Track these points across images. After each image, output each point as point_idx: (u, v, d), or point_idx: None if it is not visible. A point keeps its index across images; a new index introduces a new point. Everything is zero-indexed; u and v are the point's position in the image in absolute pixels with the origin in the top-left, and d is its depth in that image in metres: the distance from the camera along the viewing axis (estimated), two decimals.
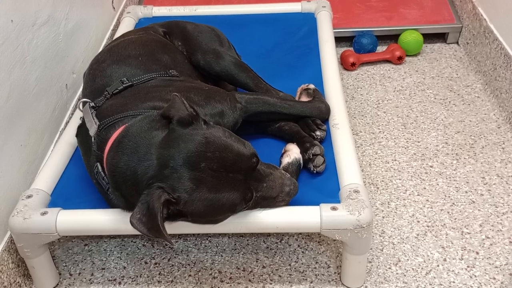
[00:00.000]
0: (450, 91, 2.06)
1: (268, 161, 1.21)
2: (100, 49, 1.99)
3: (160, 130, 1.14)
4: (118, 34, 1.96)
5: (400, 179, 1.69)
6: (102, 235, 1.54)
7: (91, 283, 1.42)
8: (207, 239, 1.52)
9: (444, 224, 1.53)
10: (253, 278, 1.41)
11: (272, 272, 1.42)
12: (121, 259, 1.48)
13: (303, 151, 1.37)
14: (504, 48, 1.92)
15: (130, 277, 1.43)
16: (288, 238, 1.51)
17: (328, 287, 1.37)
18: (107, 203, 1.26)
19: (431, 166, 1.73)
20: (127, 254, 1.49)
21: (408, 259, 1.43)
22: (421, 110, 1.97)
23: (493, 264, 1.41)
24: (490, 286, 1.36)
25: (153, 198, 1.05)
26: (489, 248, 1.45)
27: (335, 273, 1.41)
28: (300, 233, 1.52)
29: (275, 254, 1.47)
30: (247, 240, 1.51)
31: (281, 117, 1.48)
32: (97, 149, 1.23)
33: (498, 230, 1.50)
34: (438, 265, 1.41)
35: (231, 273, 1.42)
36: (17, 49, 1.45)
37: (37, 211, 1.28)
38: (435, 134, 1.86)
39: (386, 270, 1.41)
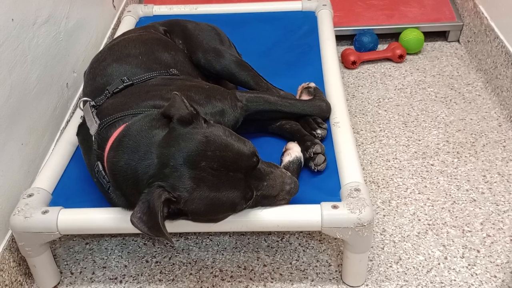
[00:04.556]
0: (451, 89, 2.06)
1: (268, 160, 1.22)
2: (101, 48, 1.99)
3: (161, 129, 1.14)
4: (118, 33, 1.96)
5: (401, 178, 1.69)
6: (103, 234, 1.54)
7: (92, 281, 1.42)
8: (208, 237, 1.52)
9: (445, 222, 1.53)
10: (254, 277, 1.41)
11: (273, 270, 1.42)
12: (122, 258, 1.48)
13: (304, 150, 1.37)
14: (505, 46, 1.92)
15: (131, 275, 1.43)
16: (289, 237, 1.51)
17: (329, 285, 1.37)
18: (108, 202, 1.26)
19: (432, 165, 1.72)
20: (128, 252, 1.49)
21: (409, 258, 1.43)
22: (422, 108, 1.97)
23: (494, 262, 1.41)
24: (491, 284, 1.36)
25: (154, 197, 1.05)
26: (490, 246, 1.45)
27: (336, 271, 1.41)
28: (301, 232, 1.52)
29: (276, 253, 1.47)
30: (248, 239, 1.51)
31: (282, 115, 1.48)
32: (98, 148, 1.23)
33: (499, 228, 1.50)
34: (439, 263, 1.41)
35: (232, 272, 1.42)
36: (17, 48, 1.45)
37: (38, 210, 1.28)
38: (436, 132, 1.85)
39: (387, 268, 1.41)
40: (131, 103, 1.27)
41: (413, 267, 1.41)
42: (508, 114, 1.88)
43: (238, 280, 1.40)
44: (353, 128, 1.65)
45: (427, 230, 1.51)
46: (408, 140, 1.83)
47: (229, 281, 1.40)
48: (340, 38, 2.31)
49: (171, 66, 1.45)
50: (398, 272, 1.40)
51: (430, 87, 2.08)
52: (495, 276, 1.38)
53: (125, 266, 1.46)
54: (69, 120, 1.68)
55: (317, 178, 1.36)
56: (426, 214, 1.56)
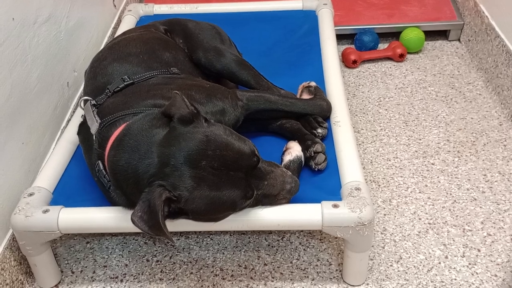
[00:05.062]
0: (452, 88, 2.06)
1: (269, 159, 1.22)
2: (101, 47, 1.99)
3: (161, 128, 1.14)
4: (119, 32, 1.96)
5: (401, 177, 1.68)
6: (104, 233, 1.54)
7: (93, 280, 1.43)
8: (208, 236, 1.52)
9: (446, 221, 1.53)
10: (255, 276, 1.41)
11: (273, 269, 1.42)
12: (123, 257, 1.48)
13: (305, 149, 1.37)
14: (506, 45, 1.92)
15: (132, 274, 1.43)
16: (290, 236, 1.51)
17: (330, 284, 1.38)
18: (109, 201, 1.26)
19: (432, 164, 1.72)
20: (129, 251, 1.50)
21: (409, 257, 1.43)
22: (422, 107, 1.97)
23: (494, 261, 1.41)
24: (492, 283, 1.36)
25: (154, 196, 1.05)
26: (490, 245, 1.45)
27: (336, 270, 1.41)
28: (302, 231, 1.52)
29: (276, 252, 1.47)
30: (249, 238, 1.51)
31: (282, 114, 1.48)
32: (99, 147, 1.23)
33: (499, 228, 1.50)
34: (439, 263, 1.41)
35: (232, 271, 1.42)
36: (18, 47, 1.45)
37: (39, 209, 1.28)
38: (436, 131, 1.85)
39: (388, 267, 1.41)
40: (132, 102, 1.27)
41: (414, 266, 1.41)
42: (509, 113, 1.88)
43: (239, 279, 1.40)
44: (353, 127, 1.65)
45: (427, 229, 1.51)
46: (408, 139, 1.83)
47: (229, 280, 1.40)
48: (340, 37, 2.31)
49: (171, 65, 1.45)
50: (398, 271, 1.40)
51: (431, 86, 2.08)
52: (496, 275, 1.38)
53: (126, 265, 1.46)
54: (69, 119, 1.68)
55: (318, 177, 1.36)
56: (426, 213, 1.56)
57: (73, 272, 1.45)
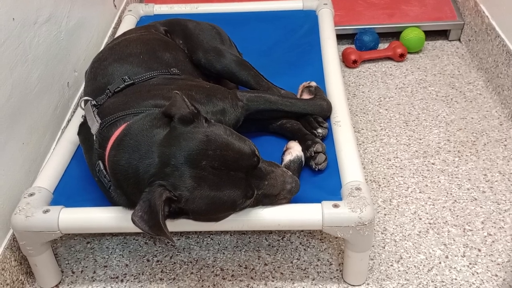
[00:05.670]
0: (452, 88, 2.06)
1: (269, 159, 1.22)
2: (102, 47, 2.00)
3: (162, 128, 1.14)
4: (119, 32, 1.96)
5: (402, 177, 1.68)
6: (104, 233, 1.54)
7: (94, 280, 1.43)
8: (209, 236, 1.52)
9: (446, 221, 1.53)
10: (255, 276, 1.41)
11: (274, 269, 1.42)
12: (123, 257, 1.48)
13: (305, 149, 1.37)
14: (506, 45, 1.92)
15: (132, 274, 1.43)
16: (290, 236, 1.51)
17: (330, 284, 1.38)
18: (109, 201, 1.26)
19: (433, 164, 1.72)
20: (129, 252, 1.50)
21: (410, 256, 1.43)
22: (423, 107, 1.97)
23: (495, 261, 1.41)
24: (492, 283, 1.36)
25: (155, 196, 1.05)
26: (491, 245, 1.45)
27: (337, 270, 1.41)
28: (302, 231, 1.52)
29: (277, 252, 1.47)
30: (249, 238, 1.51)
31: (282, 114, 1.48)
32: (99, 147, 1.23)
33: (500, 227, 1.50)
34: (440, 262, 1.41)
35: (233, 271, 1.42)
36: (18, 48, 1.45)
37: (39, 209, 1.28)
38: (437, 131, 1.85)
39: (388, 267, 1.41)
40: (132, 102, 1.27)
41: (414, 266, 1.41)
42: (509, 113, 1.88)
43: (239, 279, 1.40)
44: (354, 127, 1.65)
45: (428, 229, 1.51)
46: (409, 139, 1.83)
47: (230, 280, 1.40)
48: (341, 37, 2.31)
49: (172, 66, 1.45)
50: (399, 271, 1.40)
51: (431, 86, 2.07)
52: (496, 275, 1.38)
53: (126, 265, 1.46)
54: (70, 120, 1.68)
55: (318, 177, 1.36)
56: (427, 213, 1.56)
57: (73, 272, 1.45)
